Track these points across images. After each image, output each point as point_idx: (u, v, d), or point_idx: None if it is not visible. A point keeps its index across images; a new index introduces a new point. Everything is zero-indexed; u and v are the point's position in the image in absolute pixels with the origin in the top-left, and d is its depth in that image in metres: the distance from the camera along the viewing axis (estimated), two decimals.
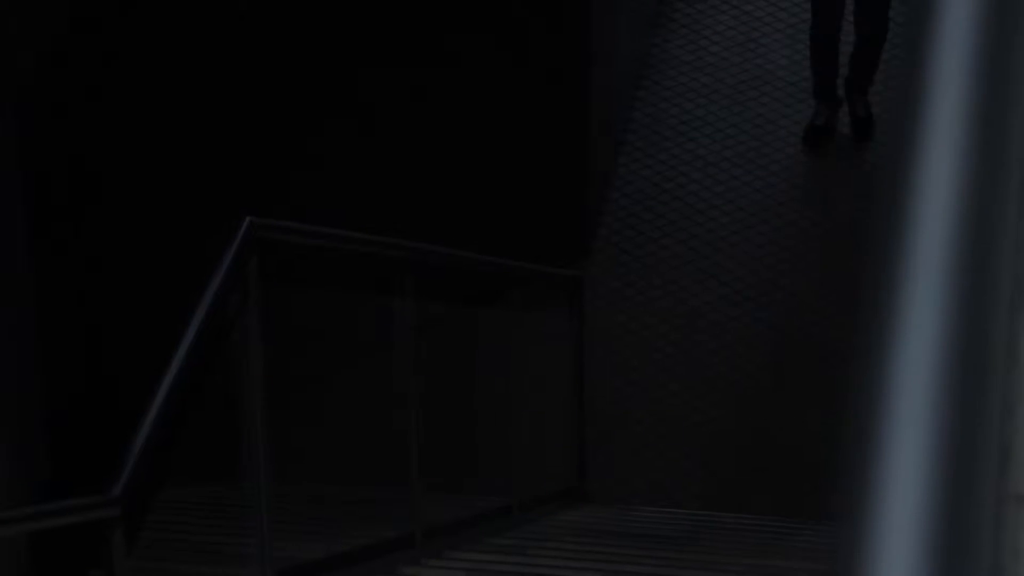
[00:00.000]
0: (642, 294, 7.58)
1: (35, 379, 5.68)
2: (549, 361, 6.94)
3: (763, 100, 8.17)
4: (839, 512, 0.86)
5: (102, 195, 6.94)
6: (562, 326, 7.09)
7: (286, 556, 4.60)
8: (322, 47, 7.43)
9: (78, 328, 6.70)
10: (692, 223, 7.78)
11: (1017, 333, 1.06)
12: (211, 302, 4.14)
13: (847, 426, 0.90)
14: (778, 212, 7.75)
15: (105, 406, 6.16)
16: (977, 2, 0.95)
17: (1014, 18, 0.96)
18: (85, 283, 6.79)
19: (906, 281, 0.88)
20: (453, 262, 5.91)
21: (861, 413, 0.89)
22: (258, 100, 7.37)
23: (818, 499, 6.01)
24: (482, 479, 6.50)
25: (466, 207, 7.24)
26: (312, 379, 7.04)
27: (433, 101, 7.38)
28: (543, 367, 6.82)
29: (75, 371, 6.60)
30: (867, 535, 0.83)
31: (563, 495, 6.79)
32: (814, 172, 7.89)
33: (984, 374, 0.90)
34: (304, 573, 4.68)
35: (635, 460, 7.08)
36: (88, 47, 6.76)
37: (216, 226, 4.37)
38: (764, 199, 7.80)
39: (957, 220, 0.89)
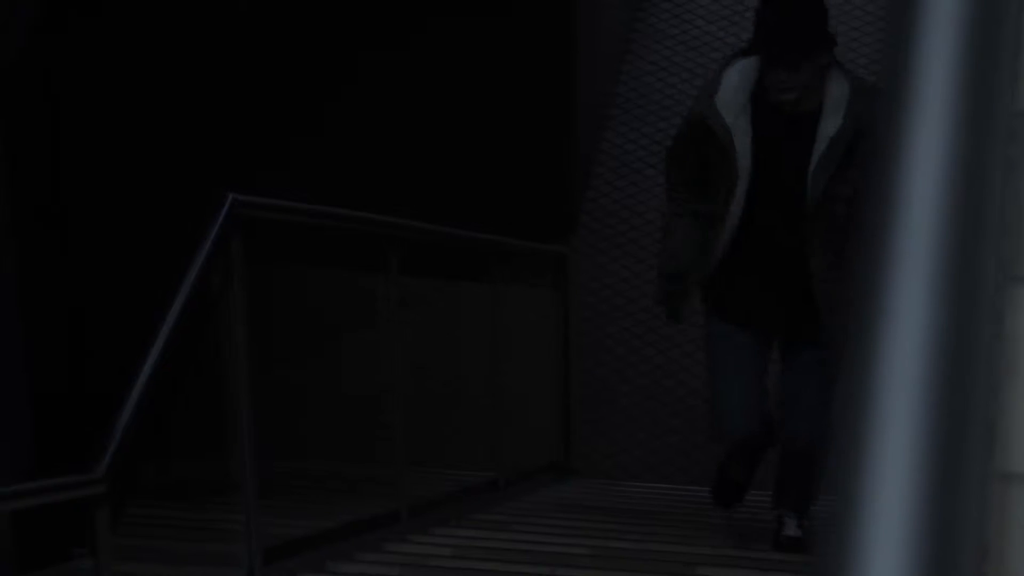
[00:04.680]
0: (627, 269, 7.58)
1: (18, 362, 5.66)
2: (535, 336, 6.94)
3: None
4: (829, 488, 0.86)
5: (83, 176, 6.92)
6: (548, 302, 7.09)
7: (272, 533, 4.60)
8: (312, 28, 7.40)
9: (61, 310, 6.68)
10: None
11: (1002, 312, 1.05)
12: (194, 280, 4.13)
13: (838, 404, 0.90)
14: None
15: (89, 388, 6.15)
16: None
17: (999, 10, 0.96)
18: (67, 265, 6.77)
19: (895, 263, 0.88)
20: (438, 238, 5.90)
21: (851, 392, 0.89)
22: (244, 81, 7.34)
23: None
24: (468, 454, 6.51)
25: (453, 184, 7.23)
26: (298, 356, 7.04)
27: (421, 81, 7.36)
28: (529, 343, 6.82)
29: (59, 354, 6.58)
30: (856, 512, 0.82)
31: (549, 470, 6.80)
32: None
33: (971, 353, 0.90)
34: (290, 550, 4.68)
35: (621, 435, 7.09)
36: (68, 29, 6.73)
37: (200, 205, 4.35)
38: None
39: (944, 203, 0.89)
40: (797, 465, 4.71)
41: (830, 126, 4.33)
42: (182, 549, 4.90)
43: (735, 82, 4.46)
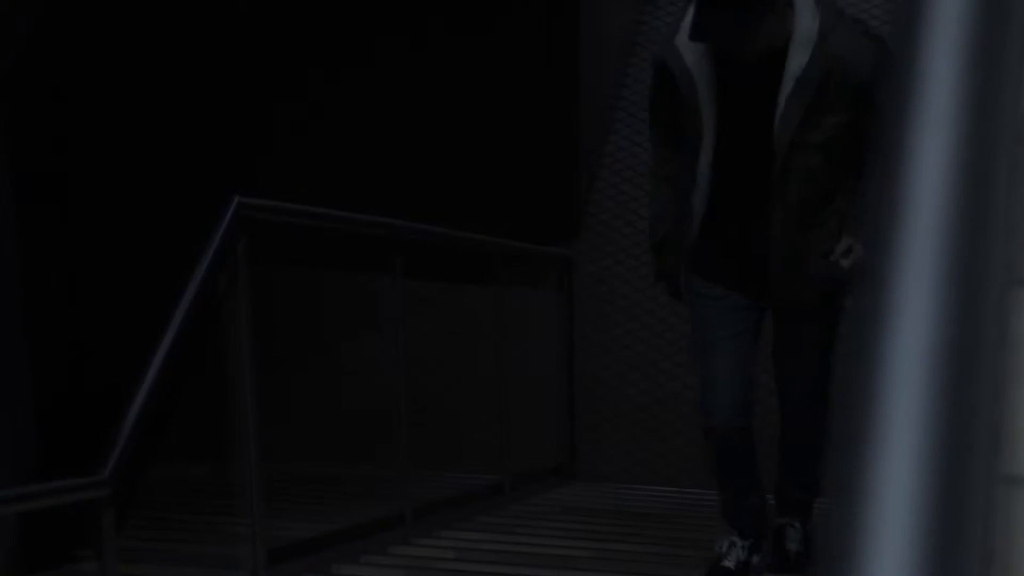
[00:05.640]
0: (632, 271, 7.57)
1: (22, 362, 5.67)
2: (539, 339, 6.94)
3: None
4: (834, 492, 0.86)
5: (88, 179, 6.92)
6: (553, 304, 7.09)
7: (276, 535, 4.60)
8: (317, 29, 7.40)
9: (65, 310, 6.69)
10: None
11: (1007, 315, 1.05)
12: (200, 282, 4.13)
13: (842, 406, 0.90)
14: None
15: (95, 390, 6.15)
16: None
17: (1004, 14, 0.96)
18: (71, 265, 6.77)
19: (901, 266, 0.88)
20: (443, 241, 5.90)
21: (856, 393, 0.89)
22: (249, 82, 7.34)
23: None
24: (472, 457, 6.51)
25: (459, 188, 7.23)
26: (302, 358, 7.04)
27: (426, 83, 7.36)
28: (533, 345, 6.82)
29: (64, 356, 6.59)
30: (862, 515, 0.83)
31: (553, 473, 6.80)
32: None
33: (976, 355, 0.90)
34: (295, 552, 4.68)
35: (625, 438, 7.08)
36: (70, 33, 6.73)
37: (205, 208, 4.36)
38: None
39: (950, 205, 0.89)
40: (796, 457, 4.33)
41: (796, 64, 3.82)
42: (186, 551, 4.90)
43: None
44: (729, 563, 4.45)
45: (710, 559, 4.49)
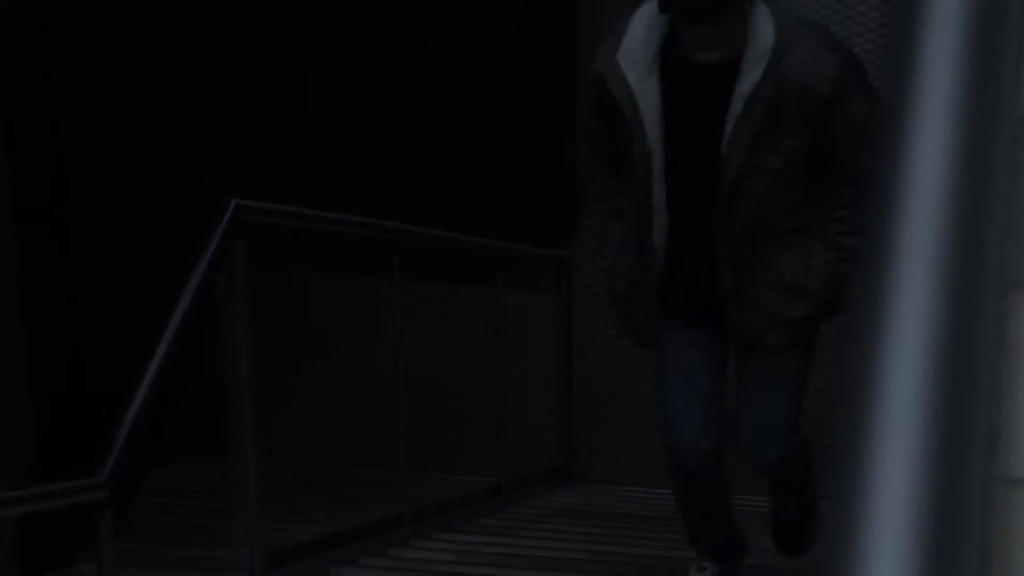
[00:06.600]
0: None
1: (20, 363, 5.67)
2: (538, 341, 6.94)
3: None
4: (833, 494, 0.86)
5: (86, 178, 6.92)
6: (551, 306, 7.09)
7: (275, 538, 4.60)
8: (318, 30, 7.40)
9: (63, 312, 6.69)
10: None
11: (1005, 316, 1.05)
12: (197, 284, 4.13)
13: (840, 408, 0.90)
14: None
15: (92, 392, 6.16)
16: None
17: (1001, 16, 0.96)
18: (69, 266, 6.78)
19: (898, 267, 0.88)
20: (441, 243, 5.90)
21: (854, 396, 0.89)
22: (250, 83, 7.34)
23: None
24: (471, 459, 6.51)
25: (457, 190, 7.23)
26: (299, 360, 7.04)
27: (422, 84, 7.36)
28: (532, 347, 6.82)
29: (63, 357, 6.58)
30: (860, 516, 0.83)
31: (552, 475, 6.79)
32: None
33: (973, 357, 0.90)
34: (293, 555, 4.68)
35: (624, 439, 7.08)
36: (68, 32, 6.74)
37: (205, 207, 4.36)
38: None
39: (948, 208, 0.89)
40: (780, 494, 4.03)
41: (747, 83, 3.37)
42: (184, 554, 4.90)
43: (641, 33, 3.50)
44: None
45: None
